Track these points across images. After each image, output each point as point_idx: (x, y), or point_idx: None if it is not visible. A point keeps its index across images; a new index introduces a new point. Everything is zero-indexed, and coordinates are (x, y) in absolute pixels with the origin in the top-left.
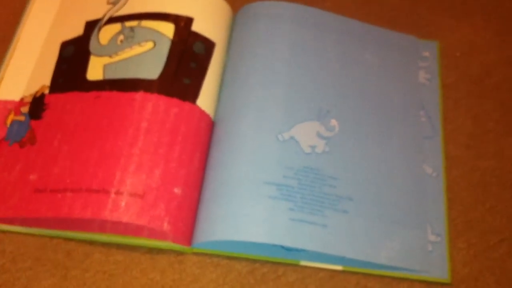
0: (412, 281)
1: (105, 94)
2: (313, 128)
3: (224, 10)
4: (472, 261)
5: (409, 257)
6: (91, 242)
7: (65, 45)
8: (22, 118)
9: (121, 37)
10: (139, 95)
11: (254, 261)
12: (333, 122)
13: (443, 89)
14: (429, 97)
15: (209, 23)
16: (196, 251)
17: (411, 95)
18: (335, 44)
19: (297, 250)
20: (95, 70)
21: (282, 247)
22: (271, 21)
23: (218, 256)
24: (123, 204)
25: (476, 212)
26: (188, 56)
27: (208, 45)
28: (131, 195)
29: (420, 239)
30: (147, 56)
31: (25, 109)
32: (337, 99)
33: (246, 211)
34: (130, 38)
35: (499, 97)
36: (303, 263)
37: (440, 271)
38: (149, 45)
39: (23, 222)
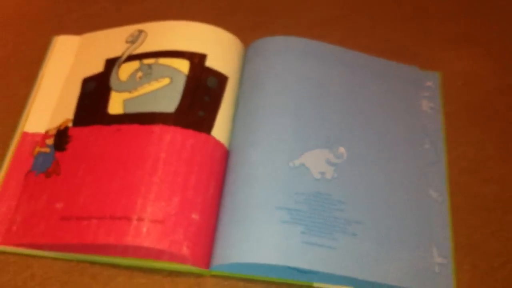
0: None
1: (125, 127)
2: (323, 155)
3: (236, 45)
4: (477, 283)
5: (416, 277)
6: (115, 266)
7: (86, 81)
8: (47, 150)
9: (140, 73)
10: (157, 128)
11: (269, 283)
12: (341, 149)
13: (445, 117)
14: (433, 125)
15: (221, 59)
16: (214, 273)
17: (414, 123)
18: (341, 76)
19: (310, 272)
20: (115, 105)
21: (296, 269)
22: (279, 55)
23: (235, 278)
24: (144, 230)
25: (480, 236)
26: (202, 90)
27: (221, 79)
28: (151, 221)
29: (426, 261)
30: (164, 91)
31: (50, 141)
32: (344, 128)
33: (261, 235)
34: (148, 74)
35: (500, 124)
36: (316, 284)
37: None
38: (166, 81)
39: (51, 247)
